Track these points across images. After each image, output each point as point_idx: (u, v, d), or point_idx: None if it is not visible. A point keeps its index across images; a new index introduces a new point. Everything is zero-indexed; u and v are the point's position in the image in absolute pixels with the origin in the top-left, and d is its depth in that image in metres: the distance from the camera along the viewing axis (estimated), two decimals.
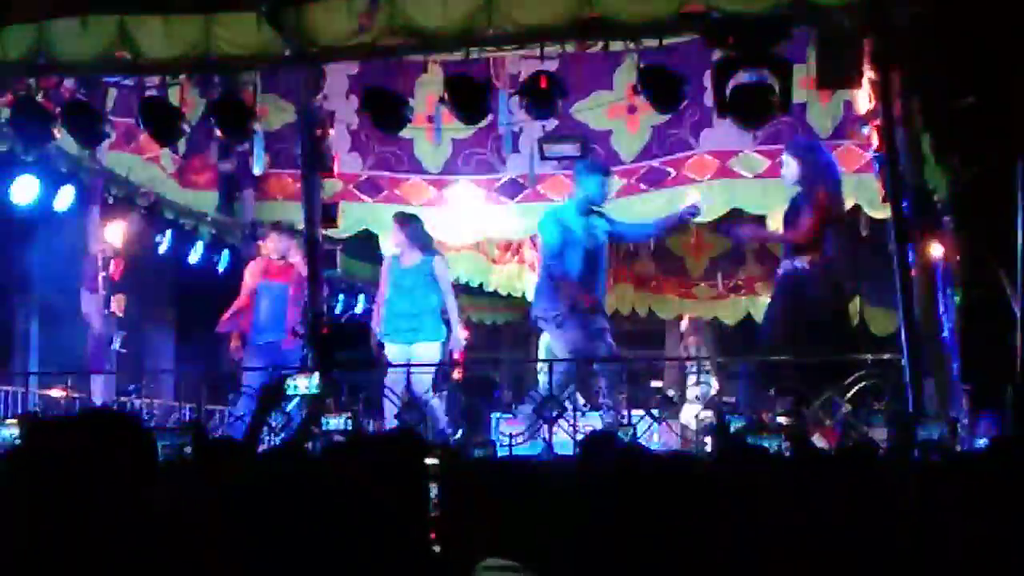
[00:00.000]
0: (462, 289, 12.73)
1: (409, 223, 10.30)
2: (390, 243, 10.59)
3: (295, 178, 10.51)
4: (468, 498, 2.91)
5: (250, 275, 10.80)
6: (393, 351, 10.14)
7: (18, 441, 7.64)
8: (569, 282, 9.57)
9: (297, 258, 10.42)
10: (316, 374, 8.45)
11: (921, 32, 8.29)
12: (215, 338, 11.50)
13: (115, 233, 10.91)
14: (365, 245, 12.44)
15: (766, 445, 6.30)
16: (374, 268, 13.49)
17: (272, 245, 10.73)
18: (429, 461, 3.32)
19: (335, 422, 8.37)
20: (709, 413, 9.01)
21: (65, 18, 9.15)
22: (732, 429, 7.33)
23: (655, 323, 15.38)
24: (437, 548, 2.86)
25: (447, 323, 10.15)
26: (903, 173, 8.43)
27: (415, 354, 9.97)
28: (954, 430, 7.58)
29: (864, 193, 9.72)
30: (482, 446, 8.32)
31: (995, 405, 7.73)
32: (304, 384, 8.33)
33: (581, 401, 9.66)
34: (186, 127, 9.53)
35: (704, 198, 10.30)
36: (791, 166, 9.25)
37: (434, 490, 3.15)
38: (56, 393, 10.18)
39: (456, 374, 10.81)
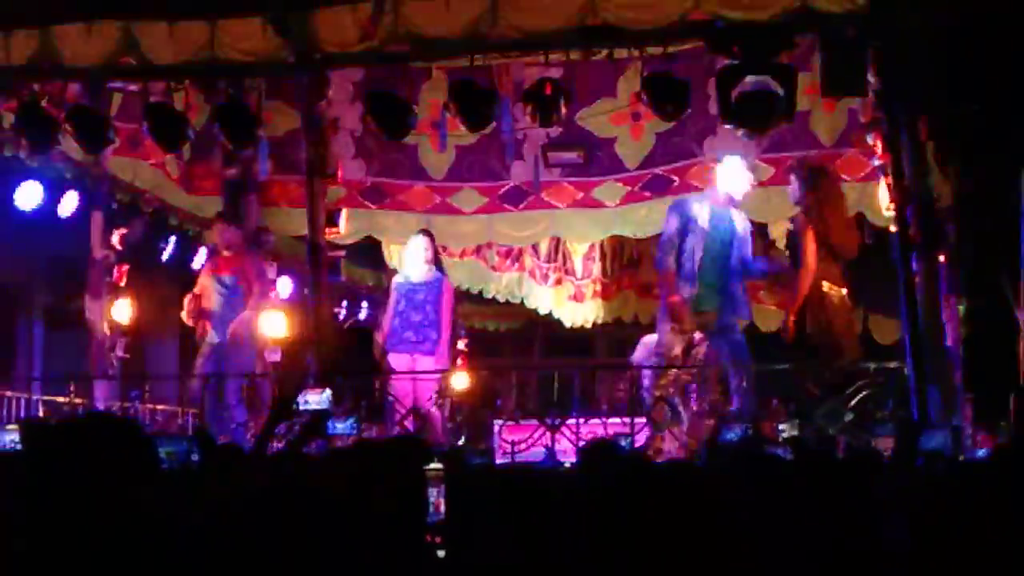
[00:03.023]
0: (463, 296, 12.72)
1: (434, 240, 10.26)
2: (418, 257, 10.17)
3: (299, 184, 10.49)
4: (472, 504, 2.91)
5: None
6: (397, 361, 9.99)
7: (19, 446, 7.64)
8: None
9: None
10: (328, 390, 8.48)
11: (925, 40, 8.29)
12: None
13: (119, 239, 10.90)
14: (369, 251, 12.43)
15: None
16: (377, 274, 13.49)
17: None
18: (433, 467, 3.33)
19: (340, 427, 8.38)
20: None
21: (70, 23, 9.17)
22: (732, 439, 7.33)
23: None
24: (441, 553, 2.86)
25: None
26: (907, 181, 8.42)
27: (418, 365, 9.91)
28: (958, 439, 7.57)
29: (868, 201, 9.70)
30: (482, 453, 8.33)
31: (998, 414, 7.71)
32: (315, 399, 8.36)
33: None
34: (191, 133, 9.53)
35: None
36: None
37: (438, 495, 3.15)
38: (59, 399, 10.18)
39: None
